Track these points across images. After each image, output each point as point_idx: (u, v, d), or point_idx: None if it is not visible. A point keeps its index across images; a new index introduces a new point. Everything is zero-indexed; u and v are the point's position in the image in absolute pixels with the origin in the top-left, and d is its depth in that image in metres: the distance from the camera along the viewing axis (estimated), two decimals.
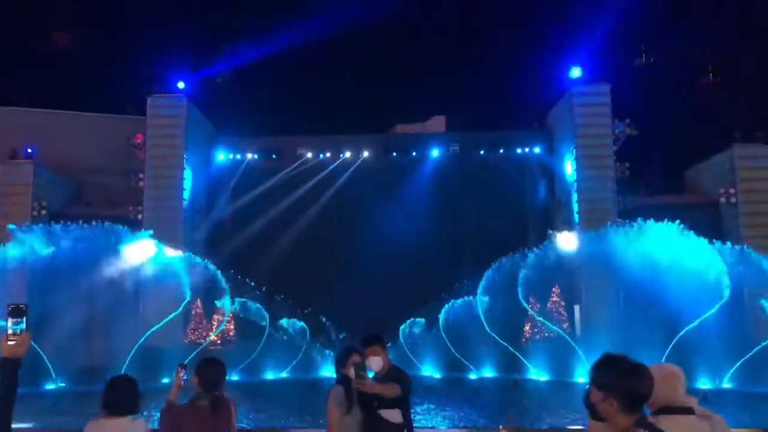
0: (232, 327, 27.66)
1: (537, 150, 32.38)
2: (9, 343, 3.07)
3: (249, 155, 32.62)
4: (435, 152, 32.36)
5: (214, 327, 27.41)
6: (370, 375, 5.41)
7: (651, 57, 29.50)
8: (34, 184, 30.33)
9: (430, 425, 12.77)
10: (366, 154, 32.47)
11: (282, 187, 31.42)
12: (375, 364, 5.38)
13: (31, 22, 38.23)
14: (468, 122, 33.67)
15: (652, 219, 22.78)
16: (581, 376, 22.27)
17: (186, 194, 30.29)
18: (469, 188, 31.05)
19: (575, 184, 29.27)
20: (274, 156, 32.60)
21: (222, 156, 32.76)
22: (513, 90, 33.05)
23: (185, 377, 4.75)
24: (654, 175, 30.86)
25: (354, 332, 22.73)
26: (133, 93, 32.63)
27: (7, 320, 3.13)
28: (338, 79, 34.83)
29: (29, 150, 30.96)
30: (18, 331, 3.11)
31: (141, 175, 30.53)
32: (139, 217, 29.95)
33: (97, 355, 24.50)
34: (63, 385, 23.30)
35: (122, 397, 4.19)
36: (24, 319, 3.14)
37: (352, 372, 5.21)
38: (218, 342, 26.88)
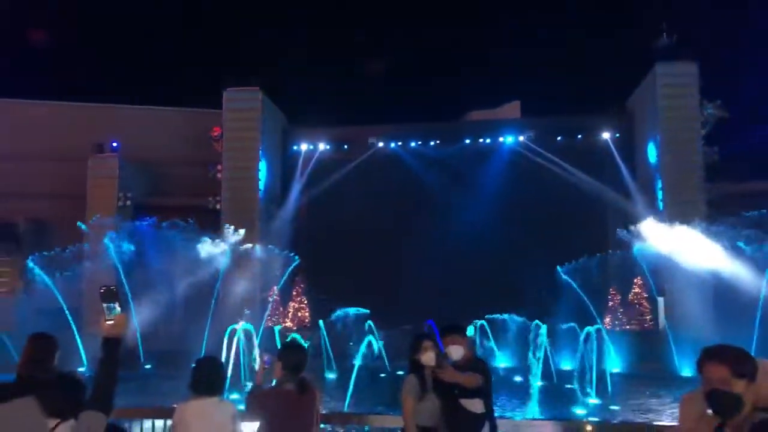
0: (307, 314, 28.01)
1: (617, 135, 31.03)
2: (107, 323, 3.20)
3: (321, 146, 32.88)
4: (509, 139, 31.55)
5: (289, 313, 27.88)
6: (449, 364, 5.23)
7: (673, 35, 27.48)
8: (119, 177, 31.76)
9: (507, 416, 12.38)
10: (438, 141, 32.01)
11: (353, 177, 31.44)
12: (455, 352, 5.21)
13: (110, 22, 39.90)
14: (544, 107, 32.64)
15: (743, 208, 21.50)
16: (668, 370, 21.30)
17: (261, 185, 30.87)
18: (544, 175, 30.06)
19: (659, 170, 27.84)
20: (345, 146, 32.74)
21: (295, 147, 33.18)
22: (592, 72, 31.80)
23: (269, 361, 4.80)
24: (747, 161, 28.92)
25: (418, 324, 22.48)
26: (212, 86, 33.51)
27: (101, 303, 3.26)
28: (410, 67, 34.54)
29: (114, 144, 32.41)
30: (113, 313, 3.23)
31: (219, 167, 31.40)
32: (218, 207, 30.77)
33: (179, 340, 25.32)
34: (149, 367, 24.21)
35: (209, 379, 4.30)
36: (117, 301, 3.26)
37: (425, 358, 5.10)
38: (294, 328, 27.29)
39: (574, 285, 23.81)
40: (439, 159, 31.34)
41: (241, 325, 18.65)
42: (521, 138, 31.56)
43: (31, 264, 26.19)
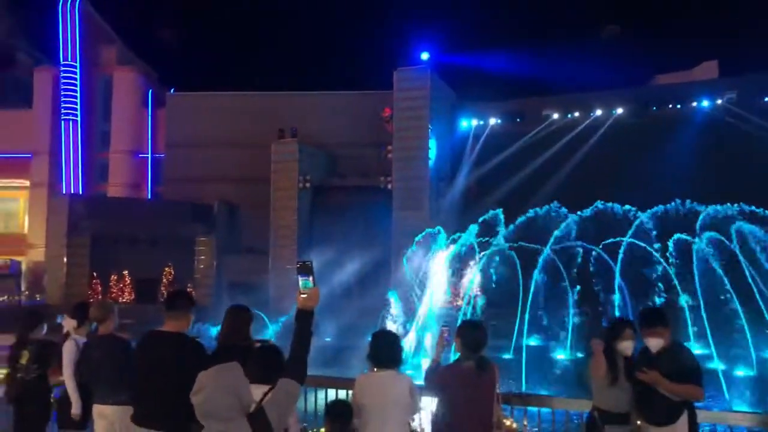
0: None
1: None
2: (301, 296, 3.37)
3: (492, 120, 31.92)
4: (705, 103, 28.13)
5: (460, 292, 27.46)
6: None
7: None
8: (299, 160, 33.45)
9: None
10: (620, 110, 29.50)
11: (527, 152, 30.03)
12: (655, 345, 4.92)
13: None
14: (747, 65, 28.64)
15: None
16: None
17: (431, 164, 30.75)
18: (750, 142, 26.27)
19: None
20: (518, 120, 31.47)
21: (465, 123, 32.57)
22: None
23: (448, 338, 4.81)
24: None
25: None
26: (383, 68, 34.05)
27: (298, 277, 3.45)
28: (587, 30, 32.15)
29: (294, 129, 34.23)
30: (307, 286, 3.40)
31: (389, 147, 31.82)
32: (389, 186, 31.19)
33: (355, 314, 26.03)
34: (328, 339, 25.17)
35: (386, 351, 4.41)
36: (311, 275, 3.42)
37: (623, 346, 4.98)
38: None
39: None
40: (623, 128, 28.82)
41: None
42: (719, 101, 28.00)
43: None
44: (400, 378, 4.38)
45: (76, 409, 5.29)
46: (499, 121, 31.82)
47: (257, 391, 3.29)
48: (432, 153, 30.79)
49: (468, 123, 32.48)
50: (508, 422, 5.02)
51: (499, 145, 30.70)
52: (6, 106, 50.56)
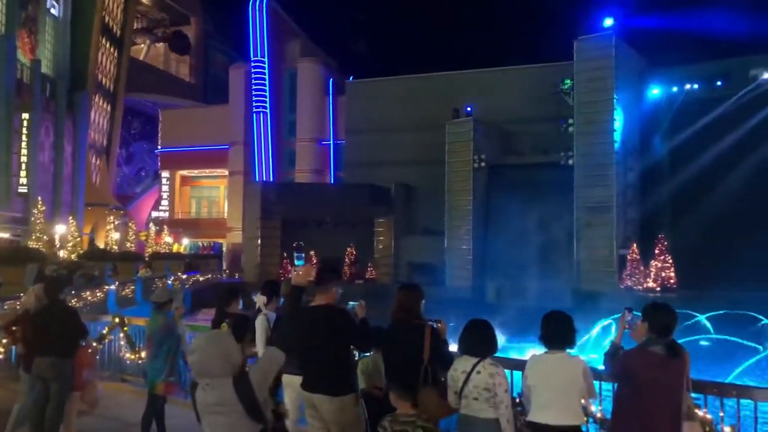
0: (672, 275, 25.06)
1: None
2: (295, 273, 4.00)
3: (687, 86, 28.80)
4: None
5: (651, 273, 25.35)
6: None
7: None
8: (473, 139, 32.91)
9: None
10: None
11: (729, 118, 26.70)
12: None
13: None
14: None
15: None
16: None
17: (617, 136, 28.59)
18: None
19: None
20: (719, 83, 28.04)
21: (656, 91, 29.76)
22: None
23: (630, 320, 4.54)
24: None
25: None
26: (560, 39, 32.30)
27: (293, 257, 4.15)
28: None
29: (468, 108, 33.71)
30: (301, 264, 4.03)
31: (570, 121, 30.19)
32: (570, 162, 29.59)
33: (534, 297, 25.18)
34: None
35: (556, 332, 4.29)
36: (302, 255, 4.09)
37: None
38: (657, 289, 24.74)
39: None
40: None
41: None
42: None
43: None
44: (572, 360, 4.24)
45: None
46: (696, 85, 28.63)
47: (467, 363, 3.98)
48: (618, 125, 28.61)
49: (660, 90, 29.62)
50: (701, 413, 4.49)
51: (697, 112, 27.61)
52: (207, 103, 55.99)
